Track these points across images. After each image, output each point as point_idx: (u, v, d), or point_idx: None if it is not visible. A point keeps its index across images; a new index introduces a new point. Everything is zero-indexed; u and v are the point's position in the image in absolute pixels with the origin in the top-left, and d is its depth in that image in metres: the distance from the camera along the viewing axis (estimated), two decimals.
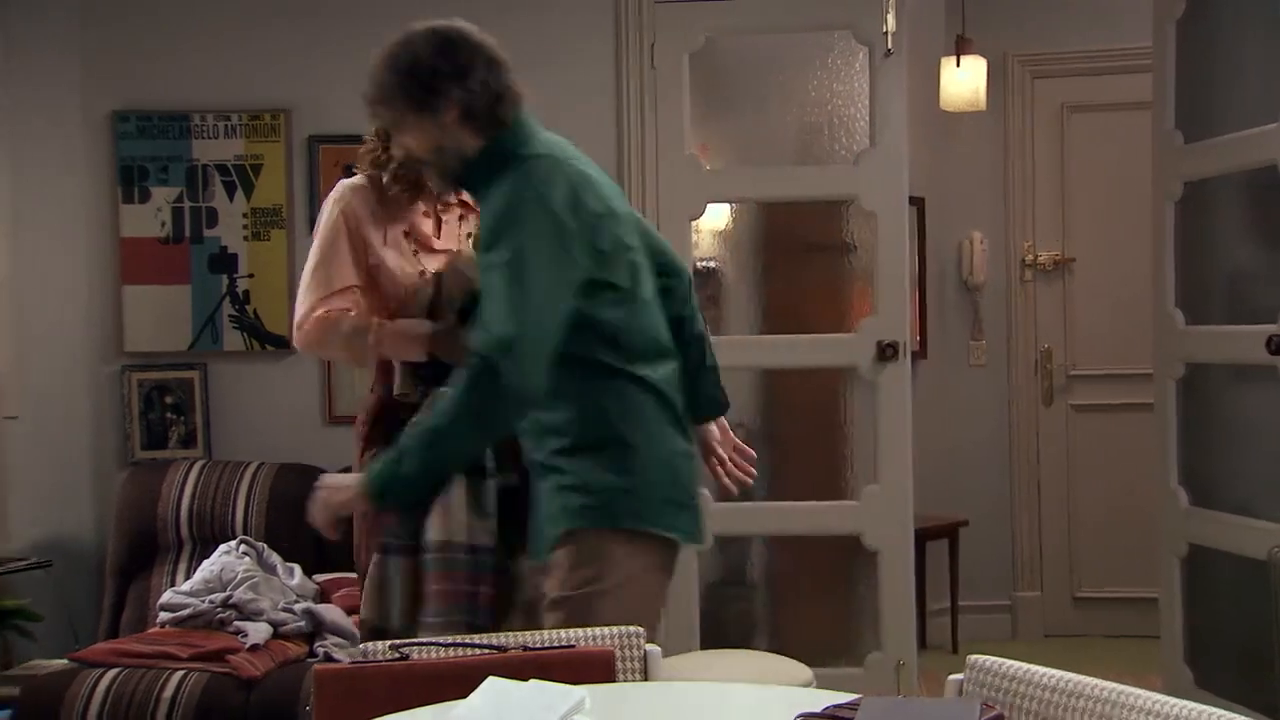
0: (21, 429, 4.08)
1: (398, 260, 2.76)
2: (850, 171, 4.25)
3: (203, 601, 3.56)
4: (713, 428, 2.80)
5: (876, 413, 4.23)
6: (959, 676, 1.87)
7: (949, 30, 5.21)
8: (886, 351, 4.19)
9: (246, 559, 3.72)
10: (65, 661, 3.42)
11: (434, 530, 2.66)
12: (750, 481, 2.84)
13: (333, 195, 2.86)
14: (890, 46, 4.07)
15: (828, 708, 1.71)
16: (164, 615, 3.58)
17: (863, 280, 4.36)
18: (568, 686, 1.90)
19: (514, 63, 4.10)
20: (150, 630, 3.62)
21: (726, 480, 2.81)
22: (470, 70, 2.49)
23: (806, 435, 4.60)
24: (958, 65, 5.11)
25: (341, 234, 2.76)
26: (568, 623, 2.40)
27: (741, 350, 4.39)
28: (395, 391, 2.79)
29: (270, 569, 3.75)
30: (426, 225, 2.84)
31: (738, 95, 4.50)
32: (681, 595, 4.24)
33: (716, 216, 4.46)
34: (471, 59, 2.50)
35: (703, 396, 2.74)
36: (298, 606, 3.61)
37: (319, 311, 2.73)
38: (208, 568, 3.68)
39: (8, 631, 3.62)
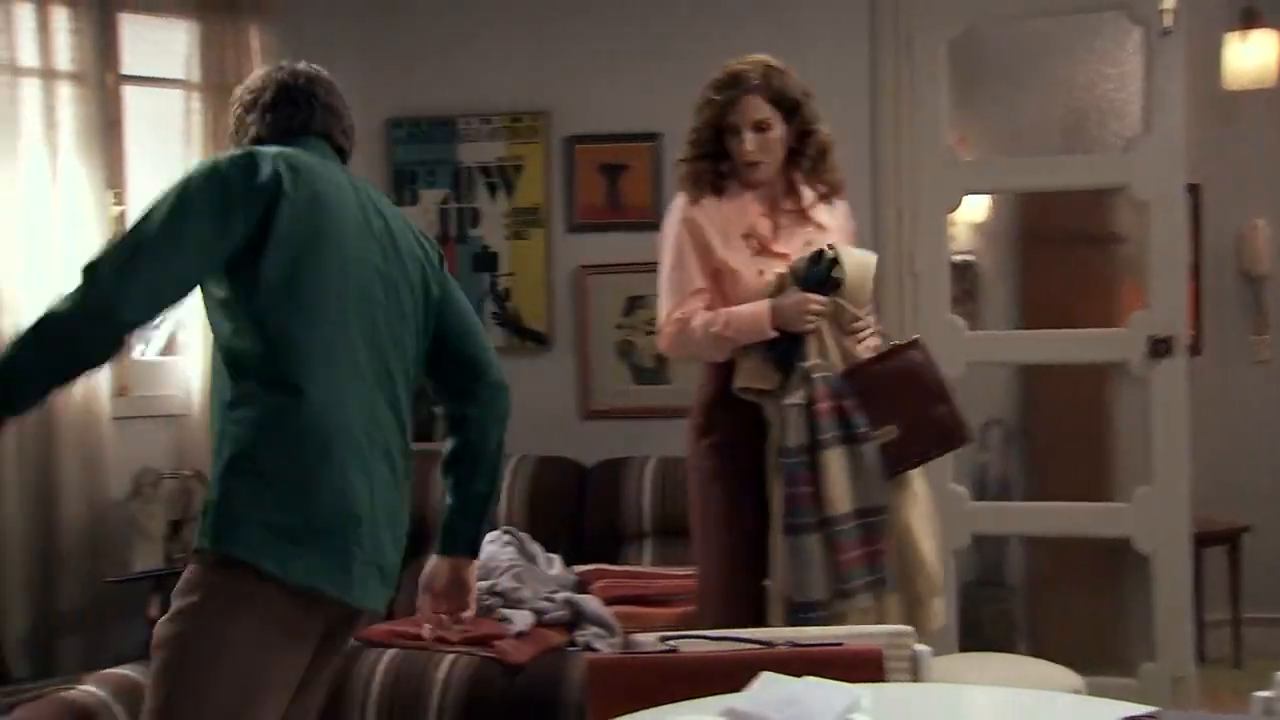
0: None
1: (739, 262, 2.92)
2: (1121, 158, 4.05)
3: None
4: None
5: (1149, 411, 4.02)
6: (1267, 694, 1.75)
7: (1232, 3, 4.87)
8: (1159, 347, 3.97)
9: (510, 548, 3.85)
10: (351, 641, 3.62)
11: (833, 504, 2.75)
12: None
13: (674, 204, 3.05)
14: (1168, 24, 3.85)
15: (1125, 719, 1.64)
16: None
17: (1132, 272, 4.15)
18: (844, 684, 1.88)
19: (768, 52, 4.13)
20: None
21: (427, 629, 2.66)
22: None
23: (1069, 433, 4.42)
24: (1244, 40, 4.79)
25: (685, 241, 2.96)
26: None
27: (1000, 346, 4.26)
28: (739, 385, 2.87)
29: (531, 558, 3.87)
30: (765, 228, 2.94)
31: (998, 83, 4.36)
32: None
33: (973, 209, 4.34)
34: None
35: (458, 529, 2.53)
36: (559, 596, 3.71)
37: (675, 314, 2.94)
38: None
39: None
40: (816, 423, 2.78)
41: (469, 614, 2.60)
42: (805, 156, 2.95)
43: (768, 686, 1.95)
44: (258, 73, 2.45)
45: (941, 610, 2.87)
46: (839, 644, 2.28)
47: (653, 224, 4.31)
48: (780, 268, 2.91)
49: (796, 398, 2.80)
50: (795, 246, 2.93)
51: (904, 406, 2.79)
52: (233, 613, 2.05)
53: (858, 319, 2.86)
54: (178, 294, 2.08)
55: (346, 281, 2.19)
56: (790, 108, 2.92)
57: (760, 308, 2.86)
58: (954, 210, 4.22)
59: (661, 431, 4.23)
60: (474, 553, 2.57)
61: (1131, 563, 4.05)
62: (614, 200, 4.38)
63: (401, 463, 2.33)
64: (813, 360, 2.82)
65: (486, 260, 4.44)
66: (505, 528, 3.94)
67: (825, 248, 2.87)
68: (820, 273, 2.83)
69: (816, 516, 2.78)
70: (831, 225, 3.02)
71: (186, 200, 2.08)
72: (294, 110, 2.34)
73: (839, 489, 2.76)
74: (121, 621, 3.90)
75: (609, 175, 4.38)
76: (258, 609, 2.06)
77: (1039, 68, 4.25)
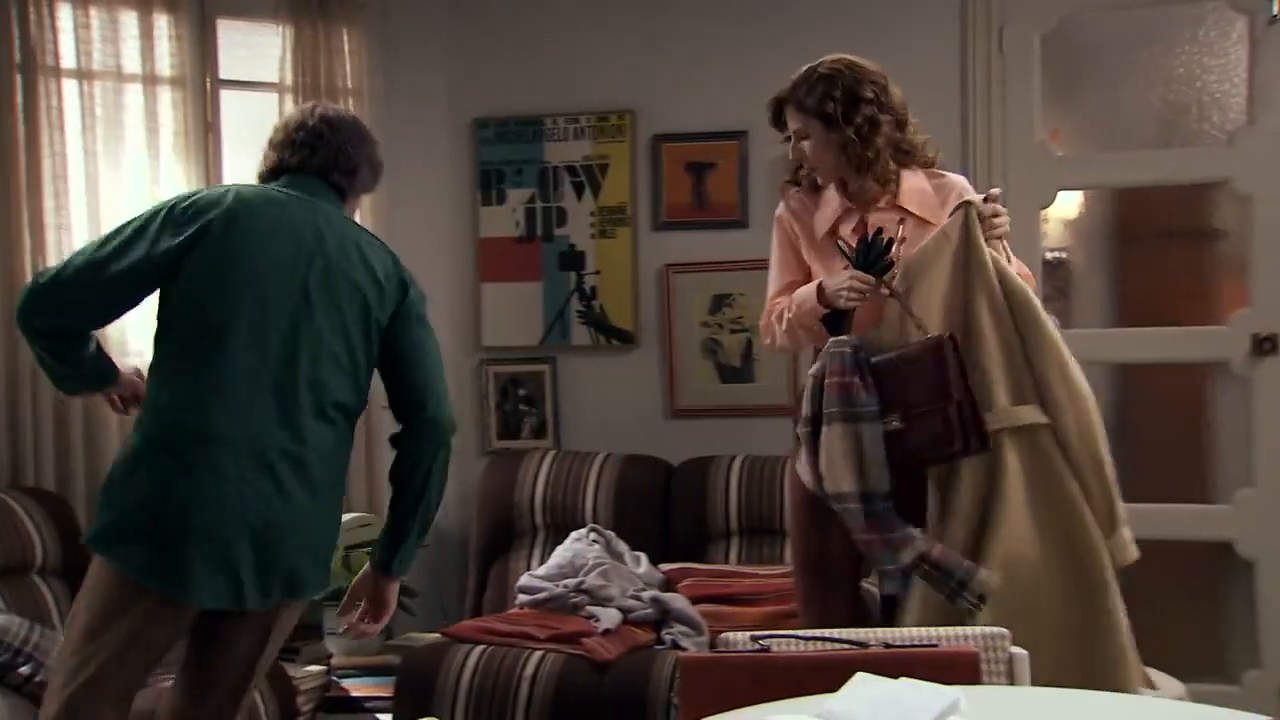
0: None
1: (825, 260, 2.92)
2: (1223, 152, 3.95)
3: (557, 586, 3.72)
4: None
5: (1251, 411, 3.91)
6: None
7: None
8: (1264, 345, 3.86)
9: (596, 546, 3.86)
10: (438, 635, 3.66)
11: (833, 480, 2.73)
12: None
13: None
14: (1276, 12, 3.74)
15: None
16: (522, 597, 3.78)
17: (1234, 269, 4.04)
18: (941, 686, 1.85)
19: (852, 49, 4.10)
20: (510, 610, 3.82)
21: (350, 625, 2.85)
22: None
23: (1165, 433, 4.30)
24: None
25: (778, 238, 3.06)
26: None
27: (1094, 345, 4.16)
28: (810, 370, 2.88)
29: (618, 556, 3.88)
30: (846, 229, 2.92)
31: (1092, 77, 4.26)
32: None
33: (1066, 205, 4.25)
34: None
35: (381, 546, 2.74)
36: (645, 594, 3.71)
37: (767, 307, 3.04)
38: (561, 553, 3.85)
39: None
40: (824, 396, 2.76)
41: (377, 628, 2.83)
42: (853, 156, 2.87)
43: (862, 687, 1.92)
44: (293, 111, 2.77)
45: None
46: (934, 645, 2.25)
47: (739, 222, 4.34)
48: None
49: (814, 369, 2.80)
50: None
51: (909, 399, 2.72)
52: (94, 574, 2.48)
53: (909, 305, 2.78)
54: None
55: (243, 308, 2.48)
56: (823, 117, 2.87)
57: (811, 286, 2.87)
58: (1047, 207, 4.14)
59: (747, 430, 4.21)
60: (389, 571, 2.74)
61: (1234, 567, 3.94)
62: (700, 198, 4.37)
63: (306, 474, 2.51)
64: (844, 337, 2.79)
65: (573, 259, 4.46)
66: (591, 526, 3.96)
67: (879, 229, 2.83)
68: (868, 253, 2.78)
69: (819, 489, 2.77)
70: (920, 210, 2.90)
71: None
72: (292, 151, 2.66)
73: (836, 465, 2.72)
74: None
75: (695, 173, 4.37)
76: (103, 577, 2.46)
77: (1136, 59, 4.14)
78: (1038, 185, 4.08)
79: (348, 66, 4.26)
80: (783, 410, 4.23)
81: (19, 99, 3.67)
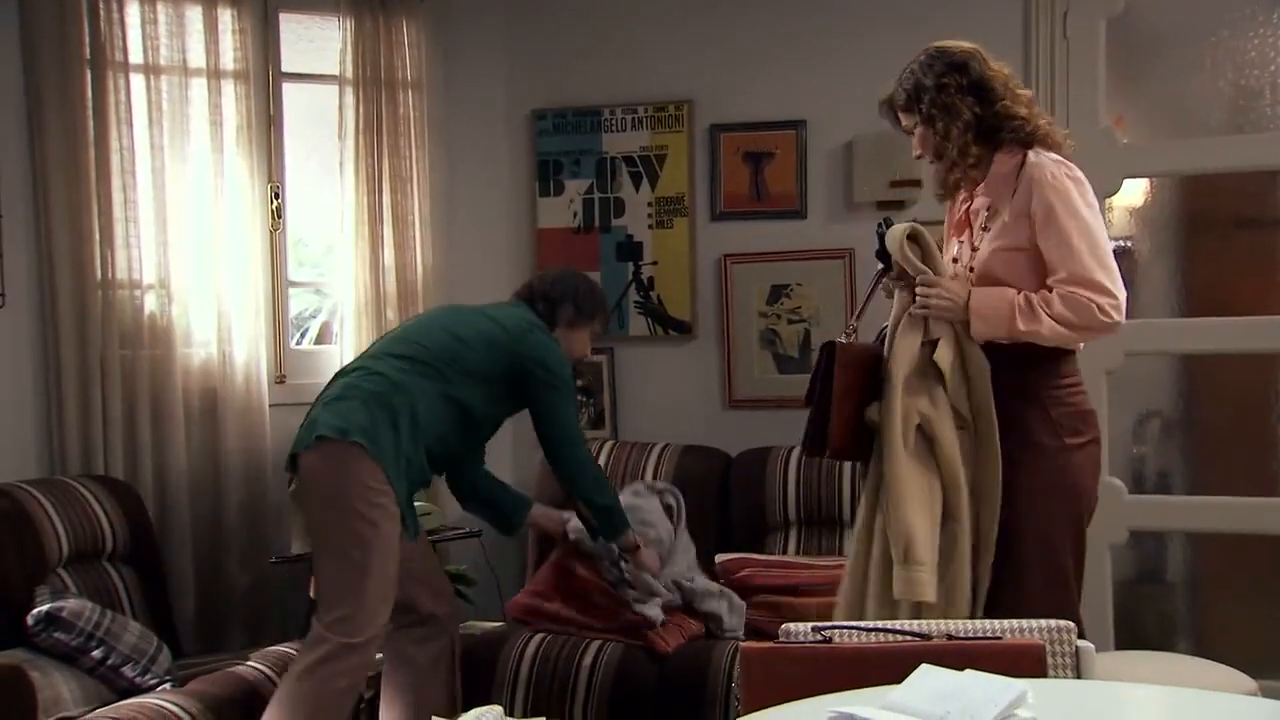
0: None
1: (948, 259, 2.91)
2: None
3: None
4: None
5: None
6: None
7: None
8: None
9: (664, 512, 3.84)
10: (497, 624, 3.69)
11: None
12: None
13: None
14: None
15: None
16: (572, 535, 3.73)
17: None
18: (1007, 679, 1.83)
19: (913, 33, 4.07)
20: (554, 559, 3.82)
21: None
22: None
23: (1233, 425, 4.23)
24: None
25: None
26: None
27: (1160, 335, 4.10)
28: None
29: (674, 530, 3.84)
30: (954, 217, 2.94)
31: (1159, 63, 4.18)
32: (1095, 592, 4.02)
33: (1131, 193, 4.18)
34: None
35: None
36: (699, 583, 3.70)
37: None
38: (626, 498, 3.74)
39: None
40: None
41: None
42: (930, 142, 2.82)
43: (926, 679, 1.91)
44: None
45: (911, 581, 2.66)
46: (998, 637, 2.23)
47: (797, 212, 4.31)
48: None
49: None
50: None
51: (811, 393, 2.83)
52: None
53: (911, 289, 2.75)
54: None
55: None
56: (907, 109, 2.85)
57: None
58: (1112, 195, 4.07)
59: (805, 421, 4.18)
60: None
61: None
62: (758, 188, 4.35)
63: None
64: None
65: (631, 250, 4.46)
66: (668, 486, 3.94)
67: (879, 222, 2.82)
68: (879, 243, 2.81)
69: None
70: (996, 197, 2.79)
71: None
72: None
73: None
74: (282, 600, 4.04)
75: (753, 163, 4.35)
76: None
77: (1205, 44, 4.04)
78: (1102, 173, 4.00)
79: (407, 58, 4.29)
80: None
81: (89, 94, 3.73)
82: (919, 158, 2.88)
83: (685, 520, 3.90)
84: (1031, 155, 2.72)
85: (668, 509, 3.86)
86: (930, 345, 2.72)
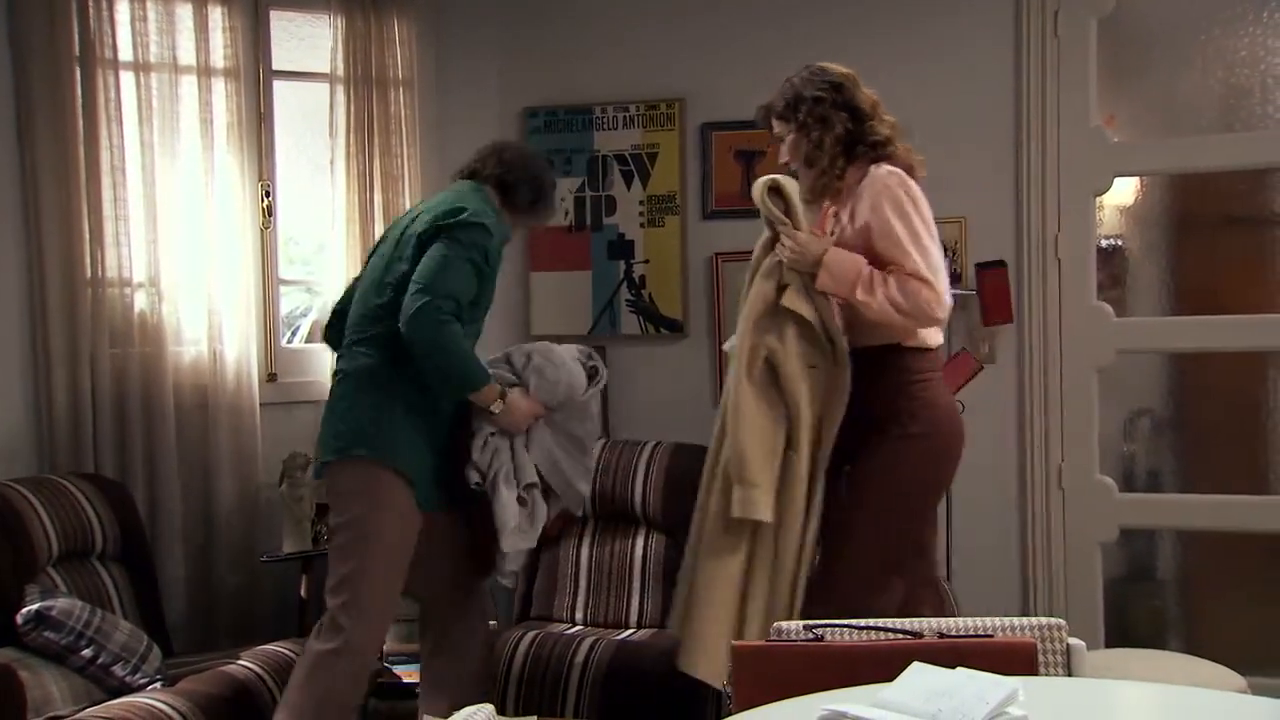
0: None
1: None
2: None
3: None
4: None
5: None
6: None
7: None
8: None
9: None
10: (491, 622, 3.68)
11: None
12: None
13: None
14: None
15: None
16: None
17: None
18: (999, 677, 1.84)
19: (905, 31, 4.07)
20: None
21: None
22: None
23: (1224, 424, 4.24)
24: None
25: None
26: None
27: (1150, 333, 4.11)
28: None
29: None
30: (822, 223, 3.17)
31: (1150, 61, 4.19)
32: (1085, 590, 4.04)
33: (1122, 191, 4.19)
34: None
35: None
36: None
37: None
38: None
39: None
40: None
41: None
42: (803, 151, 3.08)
43: (918, 677, 1.91)
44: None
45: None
46: (989, 635, 2.24)
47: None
48: None
49: None
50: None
51: None
52: None
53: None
54: None
55: None
56: (783, 116, 3.09)
57: None
58: (1102, 193, 4.08)
59: None
60: None
61: None
62: (750, 187, 4.32)
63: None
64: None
65: (622, 248, 4.45)
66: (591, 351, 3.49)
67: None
68: None
69: None
70: (842, 204, 3.06)
71: None
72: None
73: None
74: (273, 599, 4.03)
75: (745, 161, 4.35)
76: None
77: (1196, 43, 4.05)
78: (1093, 171, 4.03)
79: (398, 57, 4.28)
80: None
81: (79, 91, 3.72)
82: (786, 164, 3.09)
83: (600, 389, 3.46)
84: (874, 168, 2.94)
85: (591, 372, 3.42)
86: (782, 290, 2.97)
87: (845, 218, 2.99)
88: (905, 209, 2.87)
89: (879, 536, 2.95)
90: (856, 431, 2.97)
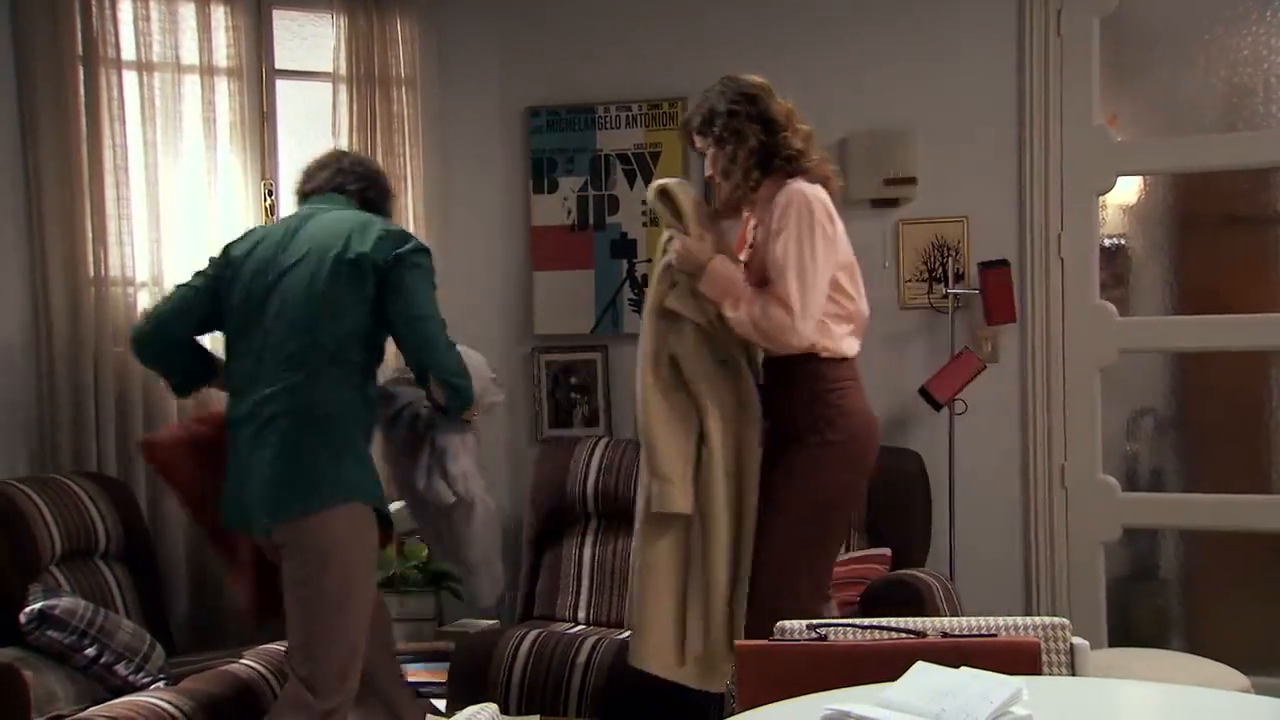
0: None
1: None
2: None
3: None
4: None
5: None
6: None
7: None
8: None
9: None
10: (493, 621, 3.68)
11: None
12: None
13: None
14: None
15: None
16: None
17: None
18: (1003, 676, 1.83)
19: (907, 29, 4.06)
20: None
21: None
22: None
23: (1227, 423, 4.24)
24: None
25: None
26: None
27: (1153, 332, 4.11)
28: None
29: None
30: (742, 235, 3.24)
31: (1153, 60, 4.19)
32: (1088, 589, 4.04)
33: (1125, 191, 4.19)
34: None
35: None
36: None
37: None
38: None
39: (441, 592, 3.94)
40: None
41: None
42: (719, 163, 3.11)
43: (922, 676, 1.91)
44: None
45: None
46: (993, 635, 2.23)
47: None
48: None
49: None
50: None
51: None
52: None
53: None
54: None
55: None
56: (700, 131, 3.12)
57: None
58: (1105, 193, 4.08)
59: None
60: None
61: None
62: None
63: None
64: None
65: (625, 247, 4.45)
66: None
67: None
68: None
69: None
70: (759, 222, 3.09)
71: None
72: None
73: None
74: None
75: None
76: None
77: (1199, 42, 4.04)
78: (1096, 170, 4.03)
79: (401, 56, 4.28)
80: None
81: (82, 91, 3.72)
82: (709, 178, 3.11)
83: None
84: (791, 183, 2.95)
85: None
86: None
87: (761, 230, 3.02)
88: (803, 233, 2.89)
89: (799, 543, 2.99)
90: (775, 439, 3.03)
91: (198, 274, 3.06)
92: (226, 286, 2.97)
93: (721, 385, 3.00)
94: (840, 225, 2.97)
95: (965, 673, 1.88)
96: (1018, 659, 2.11)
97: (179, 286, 3.10)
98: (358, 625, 2.90)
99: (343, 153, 3.29)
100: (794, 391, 3.00)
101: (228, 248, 3.04)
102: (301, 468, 2.83)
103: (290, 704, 2.87)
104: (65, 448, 3.72)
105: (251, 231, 3.12)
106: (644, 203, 4.41)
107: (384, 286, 2.87)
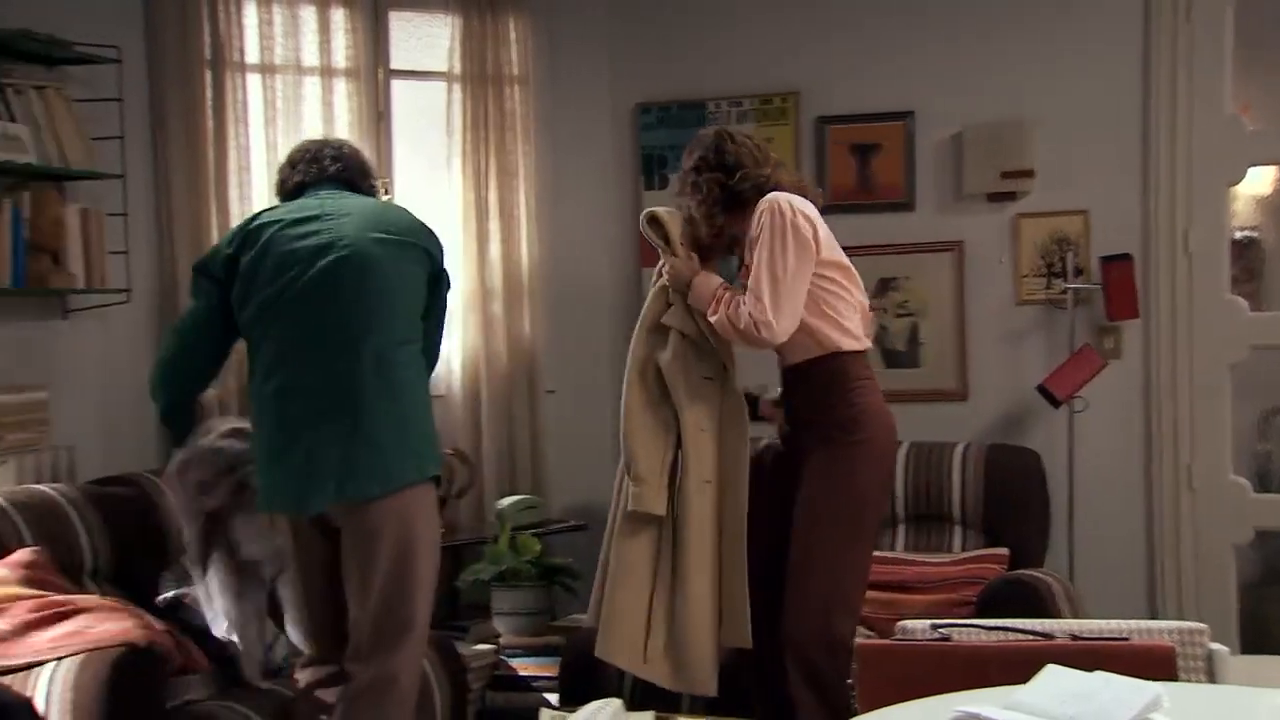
0: (558, 401, 4.46)
1: None
2: None
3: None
4: None
5: None
6: None
7: None
8: None
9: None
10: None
11: None
12: None
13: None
14: None
15: None
16: None
17: None
18: (1140, 682, 1.78)
19: (1024, 20, 3.96)
20: None
21: None
22: None
23: None
24: None
25: None
26: None
27: None
28: None
29: None
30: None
31: None
32: (1218, 593, 3.91)
33: (1258, 181, 4.05)
34: None
35: None
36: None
37: None
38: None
39: (553, 587, 3.96)
40: None
41: None
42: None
43: (1054, 679, 1.87)
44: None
45: None
46: (1125, 639, 2.18)
47: (905, 204, 4.25)
48: None
49: None
50: None
51: None
52: None
53: None
54: None
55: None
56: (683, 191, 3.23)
57: None
58: (1237, 184, 3.94)
59: (913, 415, 4.09)
60: None
61: None
62: (865, 181, 4.30)
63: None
64: None
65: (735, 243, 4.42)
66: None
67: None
68: None
69: None
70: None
71: None
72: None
73: None
74: None
75: (860, 155, 4.30)
76: None
77: None
78: (1227, 161, 3.89)
79: (514, 54, 4.32)
80: (949, 395, 4.15)
81: (209, 93, 3.82)
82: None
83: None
84: (764, 198, 3.01)
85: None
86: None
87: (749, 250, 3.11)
88: (774, 236, 2.95)
89: (840, 542, 3.00)
90: (798, 442, 3.08)
91: (201, 290, 2.90)
92: (249, 268, 2.81)
93: (704, 398, 3.09)
94: (823, 229, 3.03)
95: (1099, 677, 1.83)
96: (1152, 664, 2.05)
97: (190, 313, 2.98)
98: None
99: (336, 142, 3.11)
100: (816, 390, 3.03)
101: (250, 228, 2.89)
102: (420, 430, 2.81)
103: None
104: None
105: (271, 210, 2.96)
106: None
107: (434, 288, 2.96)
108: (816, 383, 3.04)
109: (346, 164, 2.99)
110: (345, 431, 2.71)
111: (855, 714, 2.34)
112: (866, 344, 3.11)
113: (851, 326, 3.04)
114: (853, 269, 3.09)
